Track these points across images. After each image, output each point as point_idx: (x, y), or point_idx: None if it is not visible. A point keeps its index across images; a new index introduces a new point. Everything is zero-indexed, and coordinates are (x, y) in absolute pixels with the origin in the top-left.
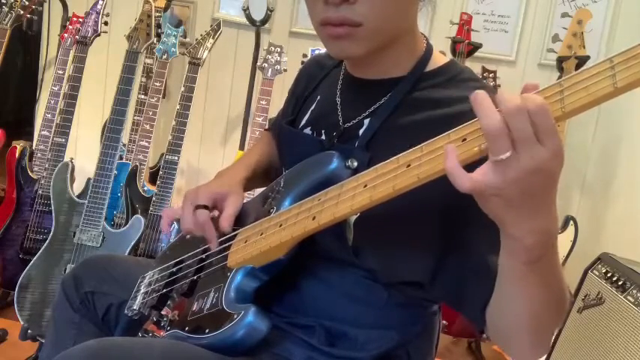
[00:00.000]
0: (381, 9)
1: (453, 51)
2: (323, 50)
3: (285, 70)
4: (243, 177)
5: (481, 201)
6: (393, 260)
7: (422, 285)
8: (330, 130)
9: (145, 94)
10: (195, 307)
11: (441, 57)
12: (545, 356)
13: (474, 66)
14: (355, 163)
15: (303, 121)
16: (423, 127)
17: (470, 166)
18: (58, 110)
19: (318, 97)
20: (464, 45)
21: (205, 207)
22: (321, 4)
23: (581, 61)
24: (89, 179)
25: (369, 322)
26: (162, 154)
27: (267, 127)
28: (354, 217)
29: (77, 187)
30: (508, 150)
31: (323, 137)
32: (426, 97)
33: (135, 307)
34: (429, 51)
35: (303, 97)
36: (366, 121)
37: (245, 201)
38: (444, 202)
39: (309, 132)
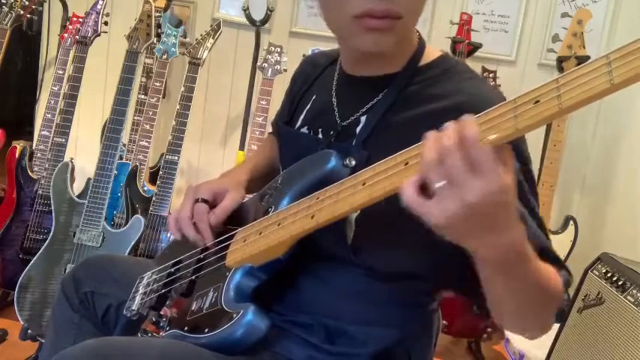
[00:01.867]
0: (418, 2)
1: (453, 51)
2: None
3: (285, 70)
4: (245, 179)
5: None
6: (394, 257)
7: (423, 277)
8: (327, 128)
9: (145, 94)
10: (194, 306)
11: (433, 51)
12: (545, 355)
13: (474, 66)
14: (353, 162)
15: (299, 121)
16: (420, 122)
17: None
18: (58, 110)
19: (314, 96)
20: (464, 45)
21: (205, 201)
22: None
23: (581, 61)
24: (89, 179)
25: (369, 319)
26: (162, 154)
27: (270, 130)
28: (354, 215)
29: (77, 187)
30: (440, 181)
31: (320, 136)
32: (421, 92)
33: (133, 308)
34: (422, 46)
35: (298, 96)
36: (363, 119)
37: (244, 201)
38: None
39: (306, 131)
